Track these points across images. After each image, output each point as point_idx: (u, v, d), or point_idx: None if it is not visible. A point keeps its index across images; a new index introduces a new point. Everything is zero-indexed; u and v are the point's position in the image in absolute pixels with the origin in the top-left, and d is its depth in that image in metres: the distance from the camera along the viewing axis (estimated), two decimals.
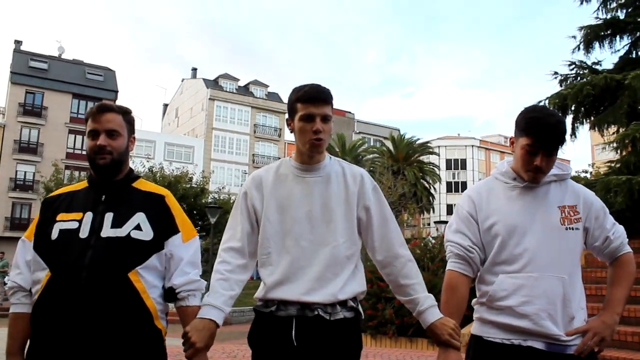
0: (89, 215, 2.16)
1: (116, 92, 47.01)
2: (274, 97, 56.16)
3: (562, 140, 2.19)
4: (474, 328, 2.33)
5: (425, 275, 9.39)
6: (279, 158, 38.28)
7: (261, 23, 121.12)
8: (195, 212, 25.56)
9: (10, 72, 43.50)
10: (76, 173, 31.97)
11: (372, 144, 51.58)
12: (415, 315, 2.32)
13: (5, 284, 24.03)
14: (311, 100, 2.28)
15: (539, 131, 2.15)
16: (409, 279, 2.32)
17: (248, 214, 2.36)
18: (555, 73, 12.91)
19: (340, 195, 2.33)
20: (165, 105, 62.53)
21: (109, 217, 2.15)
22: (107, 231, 2.12)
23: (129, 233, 2.13)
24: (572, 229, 2.21)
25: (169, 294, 2.22)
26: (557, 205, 2.24)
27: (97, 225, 2.13)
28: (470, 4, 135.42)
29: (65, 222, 2.16)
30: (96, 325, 2.00)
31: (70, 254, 2.07)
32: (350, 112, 60.87)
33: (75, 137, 44.18)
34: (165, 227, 2.23)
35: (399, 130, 54.47)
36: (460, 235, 2.32)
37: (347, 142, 43.90)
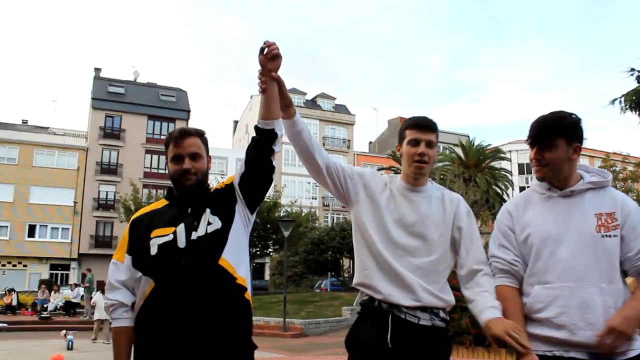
0: (181, 227, 2.35)
1: (188, 111, 48.54)
2: (341, 109, 56.46)
3: (546, 134, 2.28)
4: None
5: None
6: None
7: (325, 36, 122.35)
8: (268, 225, 26.00)
9: (92, 98, 45.76)
10: (153, 191, 33.12)
11: (441, 151, 50.87)
12: (475, 314, 2.43)
13: (91, 299, 25.17)
14: (418, 127, 2.62)
15: (530, 129, 2.35)
16: (481, 287, 2.45)
17: (350, 179, 2.67)
18: (632, 69, 12.46)
19: (438, 216, 2.59)
20: (236, 122, 63.98)
21: (192, 224, 2.37)
22: (195, 235, 2.34)
23: (206, 229, 2.36)
24: (610, 236, 2.19)
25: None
26: (593, 213, 2.23)
27: (189, 234, 2.34)
28: (535, 4, 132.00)
29: (161, 237, 2.35)
30: (202, 319, 2.22)
31: (170, 264, 2.28)
32: None
33: (151, 156, 45.90)
34: (226, 206, 2.46)
35: (468, 137, 53.57)
36: (503, 249, 2.39)
37: None
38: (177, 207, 2.44)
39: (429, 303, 2.47)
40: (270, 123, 2.44)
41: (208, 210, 2.41)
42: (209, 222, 2.38)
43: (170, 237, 2.33)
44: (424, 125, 2.62)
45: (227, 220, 2.41)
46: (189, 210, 2.41)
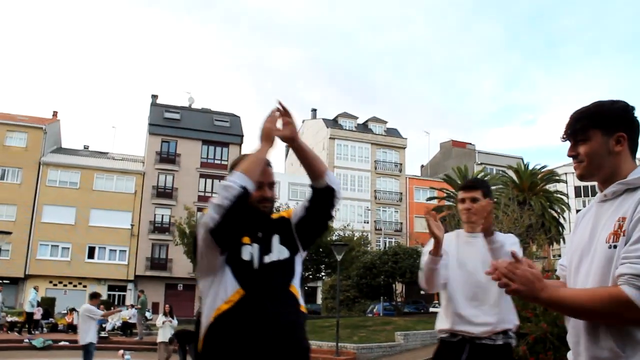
0: (256, 247, 2.48)
1: (242, 136, 49.41)
2: (393, 132, 56.44)
3: (578, 126, 1.95)
4: None
5: None
6: (401, 193, 37.71)
7: (376, 61, 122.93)
8: (321, 249, 26.10)
9: (149, 124, 47.22)
10: None
11: (494, 174, 50.16)
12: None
13: (147, 319, 25.70)
14: (463, 188, 3.51)
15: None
16: None
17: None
18: None
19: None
20: (288, 147, 64.54)
21: (266, 248, 2.51)
22: (266, 259, 2.47)
23: (279, 256, 2.50)
24: (614, 247, 1.79)
25: None
26: (615, 219, 1.83)
27: (262, 256, 2.47)
28: (590, 23, 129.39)
29: (247, 246, 2.46)
30: (285, 341, 2.36)
31: (257, 280, 2.41)
32: (470, 144, 59.73)
33: (205, 180, 46.83)
34: (291, 238, 2.60)
35: (522, 159, 52.64)
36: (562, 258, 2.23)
37: (469, 173, 43.03)
38: (249, 228, 2.53)
39: (501, 328, 3.26)
40: (322, 181, 2.54)
41: (277, 238, 2.55)
42: (279, 250, 2.52)
43: (248, 257, 2.44)
44: (467, 186, 3.50)
45: (293, 252, 2.57)
46: (260, 234, 2.53)
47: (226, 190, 2.26)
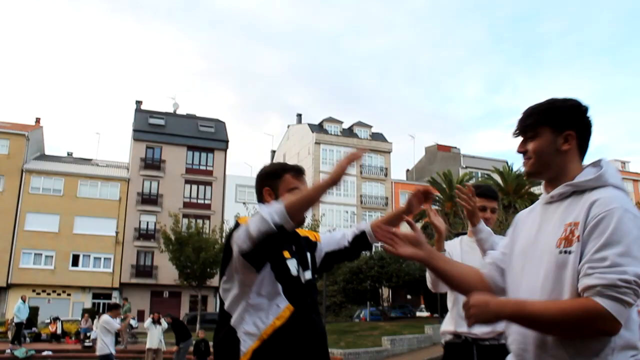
0: (294, 261, 2.50)
1: (227, 142, 49.24)
2: (378, 137, 56.47)
3: (527, 122, 1.92)
4: None
5: None
6: (386, 197, 37.67)
7: (361, 65, 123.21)
8: None
9: (133, 130, 46.86)
10: (193, 221, 33.33)
11: (479, 177, 50.37)
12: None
13: (133, 327, 25.43)
14: (485, 196, 3.47)
15: None
16: None
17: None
18: None
19: None
20: (273, 152, 64.52)
21: (302, 263, 2.56)
22: (306, 275, 2.55)
23: (311, 274, 2.60)
24: (566, 252, 1.71)
25: None
26: (564, 223, 1.77)
27: (301, 271, 2.53)
28: (574, 26, 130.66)
29: (290, 260, 2.48)
30: (325, 351, 2.51)
31: (302, 295, 2.46)
32: (455, 147, 60.00)
33: (191, 186, 46.58)
34: (315, 262, 2.70)
35: (506, 162, 52.95)
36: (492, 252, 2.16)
37: (453, 177, 43.16)
38: (286, 241, 2.45)
39: (503, 328, 3.06)
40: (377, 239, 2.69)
41: (308, 255, 2.63)
42: (310, 269, 2.60)
43: (295, 272, 2.48)
44: (490, 195, 3.51)
45: (314, 274, 2.65)
46: (293, 247, 2.54)
47: (260, 223, 2.17)
